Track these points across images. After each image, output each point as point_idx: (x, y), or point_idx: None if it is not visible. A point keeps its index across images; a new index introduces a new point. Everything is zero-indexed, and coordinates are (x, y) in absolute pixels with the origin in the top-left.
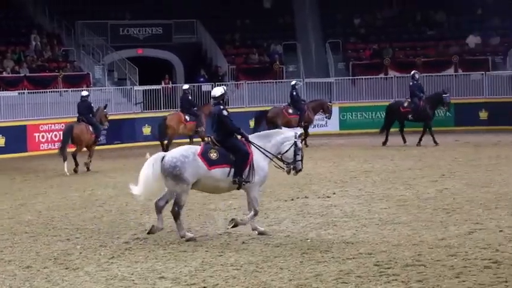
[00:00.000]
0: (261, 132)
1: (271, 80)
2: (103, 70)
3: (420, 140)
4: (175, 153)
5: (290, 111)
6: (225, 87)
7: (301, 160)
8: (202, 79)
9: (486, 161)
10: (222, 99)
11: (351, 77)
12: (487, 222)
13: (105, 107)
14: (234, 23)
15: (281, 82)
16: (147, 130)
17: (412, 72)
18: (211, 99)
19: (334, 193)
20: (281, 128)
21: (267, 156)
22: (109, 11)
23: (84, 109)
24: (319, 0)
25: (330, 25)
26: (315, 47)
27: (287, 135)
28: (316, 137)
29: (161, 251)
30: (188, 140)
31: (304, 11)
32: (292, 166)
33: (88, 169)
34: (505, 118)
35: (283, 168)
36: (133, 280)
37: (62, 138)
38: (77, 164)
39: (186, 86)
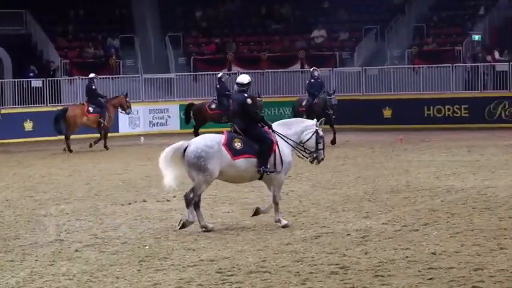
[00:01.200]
0: (282, 121)
1: (107, 76)
2: None
3: None
4: (200, 143)
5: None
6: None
7: (323, 149)
8: (32, 74)
9: (334, 161)
10: (247, 88)
11: (192, 73)
12: (334, 226)
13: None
14: (67, 14)
15: (117, 78)
16: None
17: (312, 69)
18: (236, 86)
19: (174, 196)
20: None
21: (289, 144)
22: None
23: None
24: None
25: (169, 18)
26: (154, 41)
27: (308, 124)
28: (155, 136)
29: None
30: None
31: (143, 2)
32: (314, 155)
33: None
34: (352, 117)
35: (306, 158)
36: None
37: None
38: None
39: (92, 75)
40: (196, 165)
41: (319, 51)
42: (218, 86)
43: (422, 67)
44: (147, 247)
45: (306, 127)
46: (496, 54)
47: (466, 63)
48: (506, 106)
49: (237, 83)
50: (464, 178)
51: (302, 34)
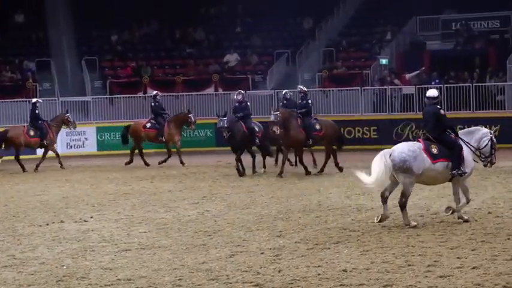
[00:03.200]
0: (464, 130)
1: (24, 99)
2: None
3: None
4: (404, 149)
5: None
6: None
7: (495, 154)
8: None
9: (248, 182)
10: (437, 100)
11: (108, 96)
12: (248, 245)
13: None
14: None
15: None
16: None
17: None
18: (426, 99)
19: (91, 217)
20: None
21: (471, 150)
22: None
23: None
24: (73, 16)
25: (85, 41)
26: (70, 64)
27: (484, 132)
28: (72, 159)
29: None
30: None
31: (58, 26)
32: (489, 159)
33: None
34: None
35: (482, 162)
36: None
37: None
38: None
39: (34, 100)
40: (402, 168)
41: (233, 74)
42: (153, 104)
43: (333, 90)
44: (64, 267)
45: (483, 134)
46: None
47: (374, 86)
48: (413, 128)
49: (428, 97)
50: (374, 197)
51: (215, 58)
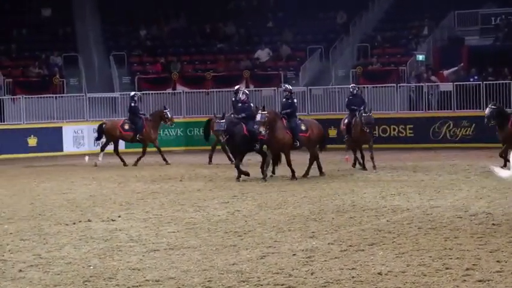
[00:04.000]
0: None
1: (51, 95)
2: None
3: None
4: None
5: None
6: None
7: None
8: None
9: (279, 181)
10: None
11: (137, 92)
12: (280, 246)
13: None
14: (10, 33)
15: (61, 97)
16: None
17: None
18: None
19: (119, 216)
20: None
21: None
22: None
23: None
24: (100, 10)
25: (113, 36)
26: (98, 59)
27: None
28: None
29: None
30: None
31: (85, 21)
32: None
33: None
34: None
35: None
36: None
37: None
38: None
39: (133, 93)
40: None
41: (264, 70)
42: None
43: (367, 87)
44: (91, 267)
45: None
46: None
47: (410, 83)
48: (451, 126)
49: None
50: (409, 198)
51: (246, 53)
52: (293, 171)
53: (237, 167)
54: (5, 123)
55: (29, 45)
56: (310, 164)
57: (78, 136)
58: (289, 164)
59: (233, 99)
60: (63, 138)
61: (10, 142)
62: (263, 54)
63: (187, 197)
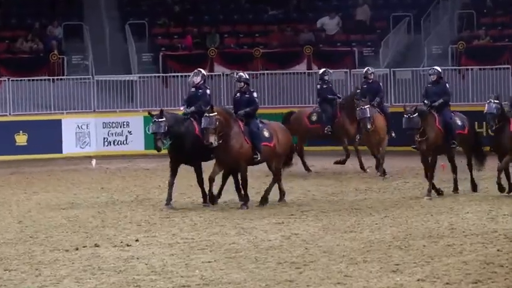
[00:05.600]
0: None
1: (47, 77)
2: None
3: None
4: None
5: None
6: None
7: None
8: None
9: (352, 195)
10: None
11: (161, 74)
12: (352, 282)
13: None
14: None
15: (61, 79)
16: None
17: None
18: None
19: (136, 240)
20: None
21: None
22: None
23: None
24: None
25: (130, 0)
26: (110, 30)
27: None
28: (110, 159)
29: None
30: None
31: None
32: None
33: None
34: None
35: None
36: None
37: None
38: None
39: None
40: None
41: (332, 46)
42: (319, 86)
43: (472, 69)
44: None
45: None
46: None
47: None
48: None
49: None
50: None
51: (309, 23)
52: (246, 196)
53: (200, 183)
54: None
55: (18, 10)
56: (272, 184)
57: (83, 132)
58: (244, 184)
59: (318, 86)
60: (63, 134)
61: None
62: (331, 24)
63: (227, 215)
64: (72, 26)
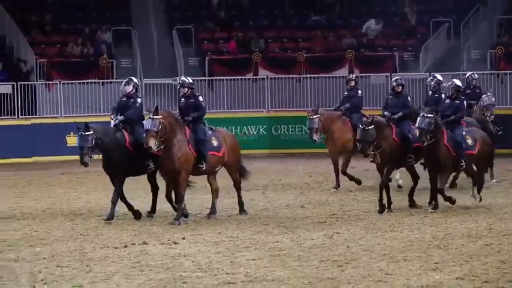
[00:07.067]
0: None
1: (97, 80)
2: None
3: None
4: None
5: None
6: None
7: None
8: (1, 77)
9: (392, 195)
10: None
11: (207, 78)
12: (393, 280)
13: None
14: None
15: (110, 83)
16: None
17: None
18: None
19: (183, 238)
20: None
21: None
22: None
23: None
24: None
25: (177, 6)
26: (158, 35)
27: None
28: None
29: None
30: None
31: None
32: None
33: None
34: None
35: None
36: None
37: None
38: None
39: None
40: None
41: (373, 50)
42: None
43: (510, 73)
44: None
45: None
46: None
47: None
48: None
49: None
50: None
51: (351, 28)
52: (180, 209)
53: (114, 201)
54: (38, 116)
55: (69, 15)
56: (238, 191)
57: None
58: (178, 196)
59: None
60: None
61: (44, 141)
62: (373, 29)
63: (271, 214)
64: (121, 31)
